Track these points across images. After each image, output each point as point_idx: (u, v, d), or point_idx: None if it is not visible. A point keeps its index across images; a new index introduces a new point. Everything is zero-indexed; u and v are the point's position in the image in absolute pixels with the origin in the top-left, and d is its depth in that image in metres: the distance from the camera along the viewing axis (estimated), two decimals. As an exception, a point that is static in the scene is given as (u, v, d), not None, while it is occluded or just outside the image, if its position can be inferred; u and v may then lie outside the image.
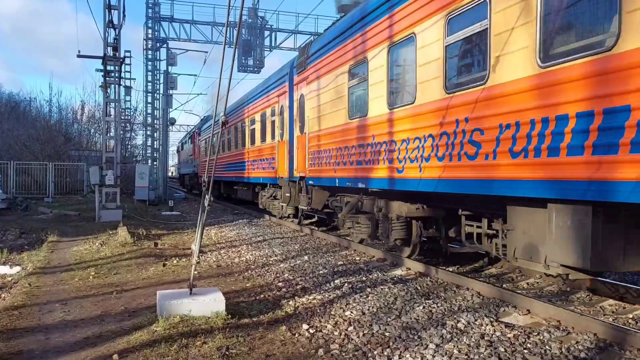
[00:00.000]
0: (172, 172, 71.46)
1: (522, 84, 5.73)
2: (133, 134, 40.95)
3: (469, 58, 7.01)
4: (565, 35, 5.41)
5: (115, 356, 4.60)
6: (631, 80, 4.56)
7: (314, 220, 15.61)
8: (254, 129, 18.45)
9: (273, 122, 15.86)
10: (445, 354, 4.67)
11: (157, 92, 30.39)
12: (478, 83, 6.45)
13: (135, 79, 69.96)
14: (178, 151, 53.76)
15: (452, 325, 5.49)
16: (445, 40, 7.05)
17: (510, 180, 5.96)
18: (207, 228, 14.43)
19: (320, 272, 8.43)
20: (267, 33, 30.65)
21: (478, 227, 7.56)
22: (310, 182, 12.48)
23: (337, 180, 10.79)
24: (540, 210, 6.01)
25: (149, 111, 31.04)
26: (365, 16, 9.38)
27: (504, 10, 5.98)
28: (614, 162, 4.72)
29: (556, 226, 5.69)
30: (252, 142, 18.81)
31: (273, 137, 15.86)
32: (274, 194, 16.97)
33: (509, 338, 5.08)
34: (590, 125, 4.91)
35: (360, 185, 9.72)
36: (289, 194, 14.63)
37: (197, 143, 35.52)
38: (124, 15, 18.09)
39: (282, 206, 15.76)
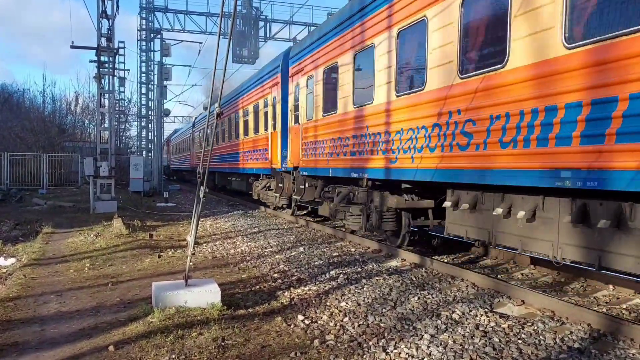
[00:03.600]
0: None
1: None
2: (127, 125, 40.85)
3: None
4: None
5: (111, 347, 4.60)
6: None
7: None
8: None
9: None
10: (440, 344, 4.69)
11: (152, 83, 30.21)
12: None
13: (129, 69, 69.58)
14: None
15: (447, 315, 5.51)
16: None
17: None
18: (202, 219, 14.41)
19: (316, 263, 8.44)
20: (261, 24, 30.46)
21: None
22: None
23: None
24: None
25: (144, 102, 30.88)
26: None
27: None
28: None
29: None
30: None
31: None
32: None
33: (504, 328, 5.11)
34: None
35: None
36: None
37: (169, 146, 51.50)
38: (118, 6, 17.96)
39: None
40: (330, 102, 11.11)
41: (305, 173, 12.84)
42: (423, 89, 7.63)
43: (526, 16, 5.79)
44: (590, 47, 5.06)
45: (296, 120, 13.34)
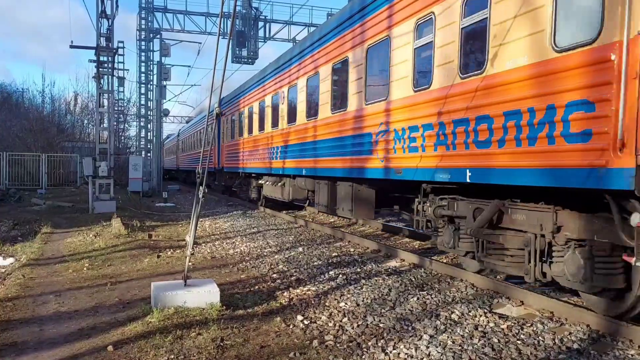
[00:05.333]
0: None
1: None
2: (126, 125, 40.85)
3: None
4: None
5: (109, 347, 4.60)
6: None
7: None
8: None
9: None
10: (440, 344, 4.69)
11: (151, 83, 30.22)
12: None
13: (128, 69, 69.61)
14: None
15: (446, 316, 5.52)
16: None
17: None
18: (201, 219, 14.39)
19: (315, 263, 8.44)
20: (261, 24, 30.50)
21: None
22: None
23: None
24: None
25: (143, 102, 30.94)
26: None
27: None
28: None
29: None
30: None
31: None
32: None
33: (503, 329, 5.11)
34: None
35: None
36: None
37: (163, 148, 60.50)
38: (117, 6, 17.95)
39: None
40: (231, 133, 21.38)
41: (225, 170, 22.87)
42: (252, 134, 17.51)
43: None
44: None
45: (224, 141, 23.09)
